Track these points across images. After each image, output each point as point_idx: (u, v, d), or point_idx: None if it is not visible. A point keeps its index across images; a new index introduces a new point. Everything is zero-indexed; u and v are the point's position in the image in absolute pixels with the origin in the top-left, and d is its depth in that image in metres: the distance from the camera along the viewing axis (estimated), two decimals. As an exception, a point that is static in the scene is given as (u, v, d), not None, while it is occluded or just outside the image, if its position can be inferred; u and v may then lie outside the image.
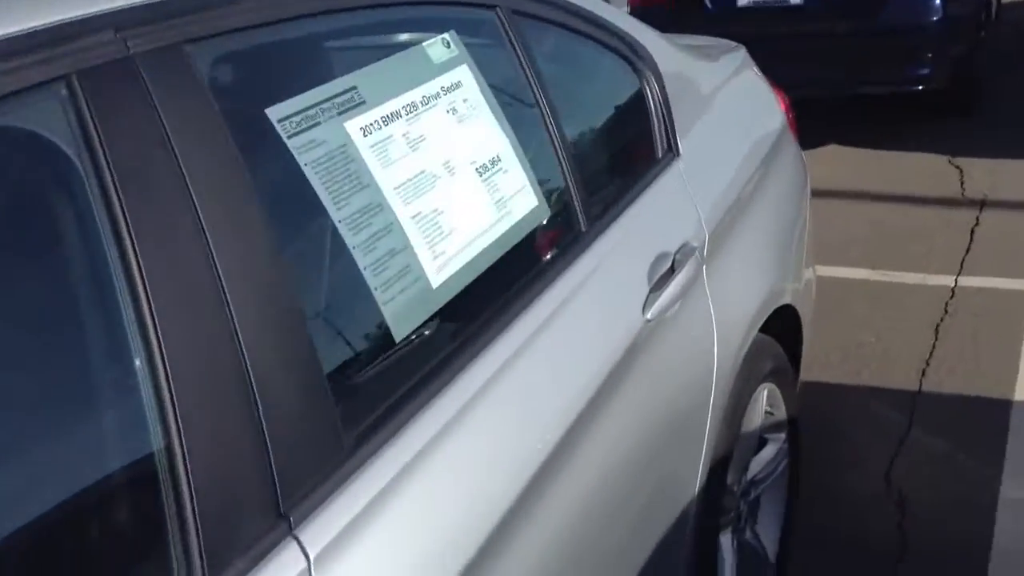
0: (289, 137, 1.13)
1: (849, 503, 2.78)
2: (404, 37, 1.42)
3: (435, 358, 1.22)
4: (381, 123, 1.27)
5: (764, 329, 2.13)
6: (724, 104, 2.23)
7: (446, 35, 1.46)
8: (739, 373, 1.93)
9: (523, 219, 1.47)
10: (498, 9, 1.57)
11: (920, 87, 5.25)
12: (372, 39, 1.41)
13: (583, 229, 1.60)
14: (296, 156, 1.13)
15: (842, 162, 5.38)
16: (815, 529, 2.64)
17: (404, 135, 1.30)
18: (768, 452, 2.28)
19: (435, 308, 1.24)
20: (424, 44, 1.42)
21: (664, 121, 1.93)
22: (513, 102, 1.58)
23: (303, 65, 1.26)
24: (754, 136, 2.29)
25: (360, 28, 1.37)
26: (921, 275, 4.03)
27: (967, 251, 4.19)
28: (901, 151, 5.40)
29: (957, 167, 5.13)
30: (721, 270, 1.91)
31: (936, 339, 3.54)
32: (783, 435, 2.32)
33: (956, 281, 3.93)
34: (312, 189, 1.13)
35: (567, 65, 1.81)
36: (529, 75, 1.58)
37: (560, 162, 1.58)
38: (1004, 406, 3.09)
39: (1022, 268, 3.95)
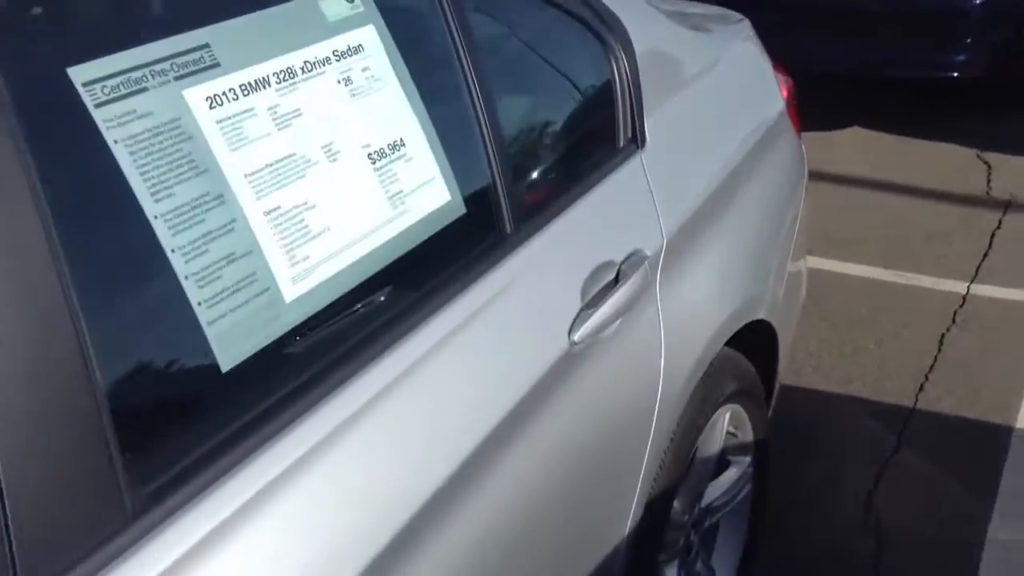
0: (98, 106, 0.90)
1: (823, 528, 2.57)
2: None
3: (279, 392, 1.00)
4: (239, 92, 1.03)
5: (734, 343, 1.90)
6: (712, 86, 1.97)
7: (352, -12, 1.22)
8: (692, 397, 1.70)
9: (427, 218, 1.24)
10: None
11: (955, 75, 4.90)
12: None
13: (508, 231, 1.36)
14: (103, 130, 0.90)
15: (864, 147, 5.07)
16: (782, 557, 2.43)
17: (271, 109, 1.07)
18: (729, 476, 2.06)
19: (285, 328, 1.02)
20: (319, -3, 1.17)
21: (630, 105, 1.68)
22: (434, 74, 1.33)
23: (135, 13, 1.02)
24: (743, 125, 2.03)
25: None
26: (933, 278, 3.75)
27: (984, 256, 3.91)
28: (928, 140, 5.07)
29: (985, 163, 4.81)
30: (680, 281, 1.67)
31: (939, 351, 3.28)
32: (748, 458, 2.09)
33: (969, 288, 3.66)
34: (122, 174, 0.91)
35: (514, 32, 1.56)
36: (458, 42, 1.33)
37: (486, 150, 1.34)
38: (1003, 434, 2.84)
39: (1041, 281, 3.68)
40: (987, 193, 4.50)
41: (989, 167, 4.77)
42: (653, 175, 1.68)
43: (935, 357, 3.24)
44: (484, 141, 1.34)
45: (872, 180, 4.70)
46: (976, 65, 4.88)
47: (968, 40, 4.85)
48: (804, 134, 5.42)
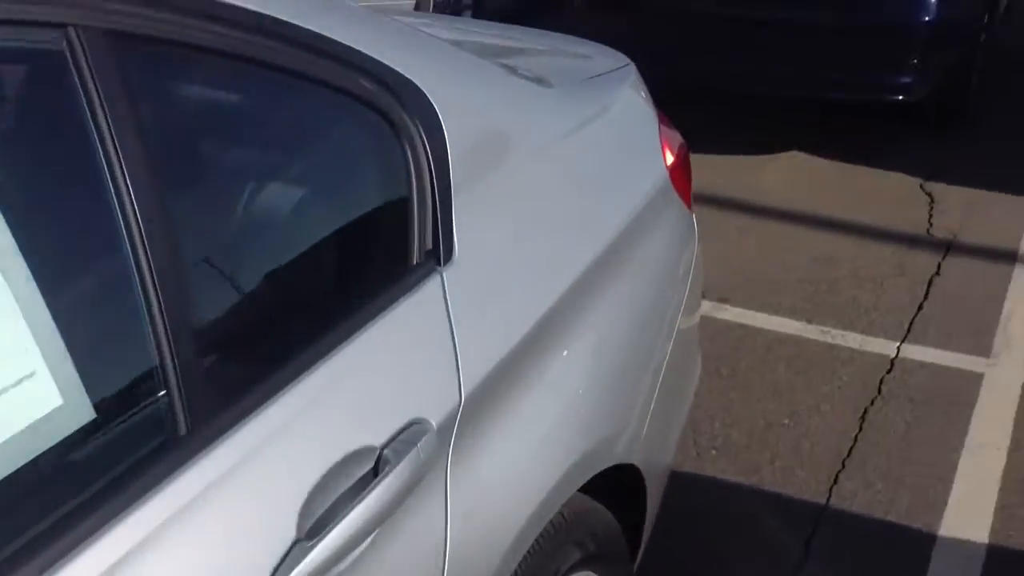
0: None
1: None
2: None
3: None
4: None
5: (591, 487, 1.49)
6: (563, 164, 1.54)
7: None
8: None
9: (12, 441, 0.80)
10: (73, 30, 0.87)
11: (899, 98, 4.53)
12: None
13: (181, 432, 0.92)
14: None
15: (801, 175, 4.70)
16: None
17: None
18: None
19: None
20: None
21: (432, 206, 1.24)
22: (56, 204, 0.88)
23: None
24: (608, 209, 1.60)
25: None
26: (861, 336, 3.38)
27: (919, 309, 3.55)
28: (871, 167, 4.71)
29: (929, 194, 4.46)
30: (488, 446, 1.24)
31: (860, 430, 2.91)
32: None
33: (898, 350, 3.29)
34: None
35: (243, 123, 1.11)
36: (115, 153, 0.88)
37: (148, 309, 0.89)
38: (924, 543, 2.47)
39: (975, 342, 3.31)
40: (927, 231, 4.15)
41: (932, 200, 4.42)
42: (459, 300, 1.24)
43: (855, 438, 2.87)
44: (144, 298, 0.89)
45: (804, 214, 4.32)
46: (921, 88, 4.52)
47: (914, 61, 4.48)
48: (740, 158, 5.06)
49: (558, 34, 2.09)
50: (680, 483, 2.51)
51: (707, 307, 3.51)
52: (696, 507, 2.58)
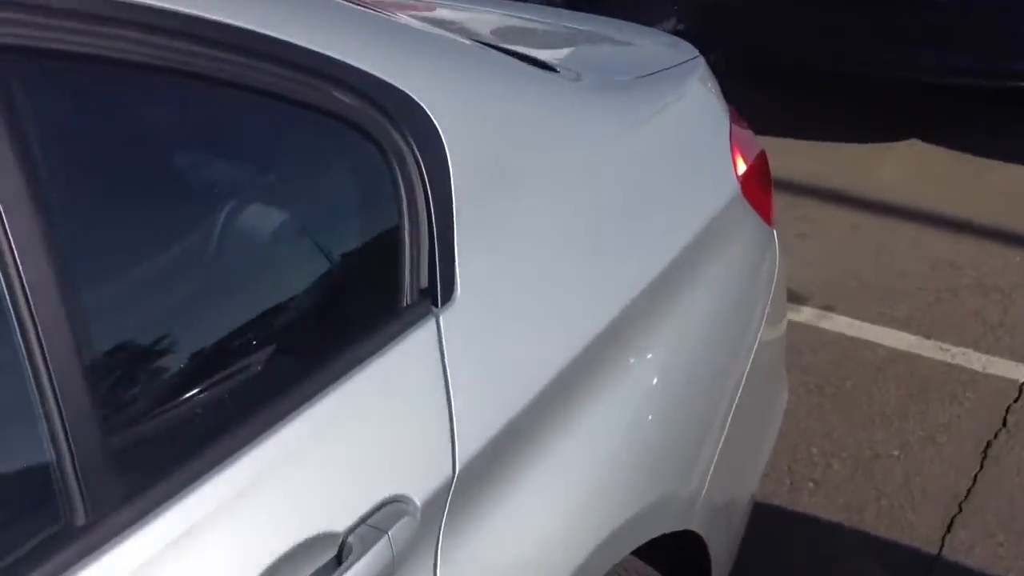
0: None
1: None
2: None
3: None
4: None
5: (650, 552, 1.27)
6: (603, 178, 1.31)
7: None
8: None
9: None
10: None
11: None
12: None
13: (79, 523, 0.75)
14: None
15: (921, 168, 4.28)
16: None
17: None
18: None
19: None
20: None
21: (428, 238, 1.04)
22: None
23: None
24: (657, 232, 1.37)
25: None
26: (984, 356, 3.00)
27: (1053, 327, 3.14)
28: (998, 160, 4.24)
29: (1064, 193, 3.99)
30: (493, 522, 1.04)
31: (981, 468, 2.56)
32: None
33: (1028, 374, 2.91)
34: None
35: (165, 156, 0.93)
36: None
37: (36, 377, 0.74)
38: (1055, 606, 2.14)
39: (1122, 365, 2.89)
40: (1063, 236, 3.70)
41: (1068, 200, 3.95)
42: (458, 348, 1.04)
43: (975, 477, 2.53)
44: (32, 369, 0.74)
45: (923, 212, 3.91)
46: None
47: (1040, 44, 4.00)
48: (853, 147, 4.63)
49: (620, 22, 1.86)
50: (769, 519, 2.25)
51: (810, 315, 3.22)
52: (786, 549, 2.31)
